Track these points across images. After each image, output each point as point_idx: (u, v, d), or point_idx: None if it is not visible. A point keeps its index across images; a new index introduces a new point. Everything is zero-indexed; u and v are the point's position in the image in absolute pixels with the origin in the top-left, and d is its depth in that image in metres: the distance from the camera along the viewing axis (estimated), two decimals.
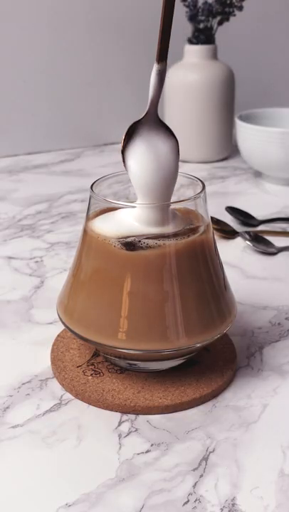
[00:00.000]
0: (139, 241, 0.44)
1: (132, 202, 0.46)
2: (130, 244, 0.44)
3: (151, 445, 0.43)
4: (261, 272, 0.70)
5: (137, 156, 0.44)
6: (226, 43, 1.17)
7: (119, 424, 0.45)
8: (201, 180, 0.48)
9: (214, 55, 1.10)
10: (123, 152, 0.45)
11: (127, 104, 1.25)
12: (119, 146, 0.45)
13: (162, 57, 0.42)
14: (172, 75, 1.11)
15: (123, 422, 0.46)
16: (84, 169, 1.10)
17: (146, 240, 0.44)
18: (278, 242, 0.78)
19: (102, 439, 0.44)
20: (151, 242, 0.44)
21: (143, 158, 0.44)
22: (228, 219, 0.84)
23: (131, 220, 0.45)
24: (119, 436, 0.44)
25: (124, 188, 0.50)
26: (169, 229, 0.45)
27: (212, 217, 0.76)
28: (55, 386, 0.50)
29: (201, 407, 0.47)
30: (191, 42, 1.10)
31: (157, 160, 0.44)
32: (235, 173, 1.08)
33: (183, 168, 1.13)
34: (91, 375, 0.49)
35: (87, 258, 0.47)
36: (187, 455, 0.42)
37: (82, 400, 0.48)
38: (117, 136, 1.26)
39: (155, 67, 0.43)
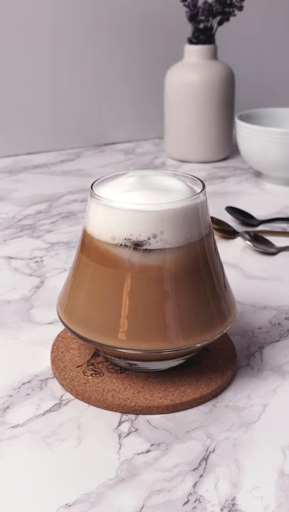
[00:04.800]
0: (140, 241, 0.44)
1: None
2: (134, 244, 0.44)
3: (151, 445, 0.43)
4: (261, 271, 0.70)
5: None
6: (226, 43, 1.17)
7: (119, 424, 0.45)
8: (201, 180, 0.48)
9: (214, 55, 1.09)
10: None
11: (126, 104, 1.25)
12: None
13: None
14: (172, 74, 1.11)
15: (123, 422, 0.46)
16: (84, 169, 1.10)
17: (146, 240, 0.44)
18: (278, 242, 0.78)
19: (102, 439, 0.44)
20: (152, 241, 0.44)
21: None
22: (228, 219, 0.84)
23: (130, 219, 0.45)
24: (119, 436, 0.44)
25: None
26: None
27: (212, 217, 0.76)
28: (55, 386, 0.50)
29: (201, 407, 0.47)
30: (191, 42, 1.09)
31: None
32: (235, 173, 1.08)
33: (183, 168, 1.13)
34: (91, 375, 0.49)
35: (87, 258, 0.47)
36: (187, 455, 0.42)
37: (82, 400, 0.48)
38: (117, 136, 1.26)
39: None
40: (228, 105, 1.11)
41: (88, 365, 0.51)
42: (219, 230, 0.79)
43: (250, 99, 1.30)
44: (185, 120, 1.10)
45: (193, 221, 0.46)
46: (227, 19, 1.08)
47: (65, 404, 0.48)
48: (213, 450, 0.43)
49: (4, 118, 1.15)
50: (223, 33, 1.12)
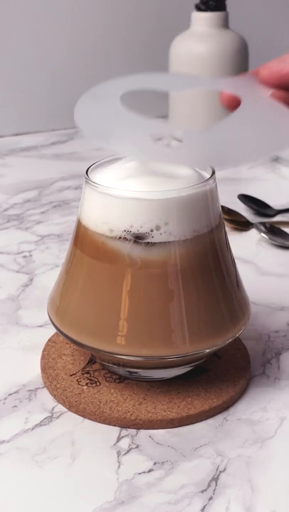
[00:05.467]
0: (141, 233, 0.44)
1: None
2: (135, 237, 0.44)
3: (154, 464, 0.43)
4: (278, 268, 0.70)
5: None
6: (239, 10, 1.17)
7: (118, 440, 0.45)
8: None
9: (225, 24, 1.09)
10: None
11: None
12: None
13: None
14: (178, 45, 1.10)
15: (122, 437, 0.46)
16: (78, 152, 1.10)
17: (149, 232, 0.44)
18: None
19: (98, 456, 0.44)
20: (155, 233, 0.44)
21: None
22: (241, 208, 0.84)
23: (130, 209, 0.45)
24: (118, 453, 0.44)
25: None
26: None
27: (223, 207, 0.76)
28: (46, 397, 0.50)
29: (211, 421, 0.47)
30: (199, 9, 1.09)
31: None
32: None
33: None
34: (86, 384, 0.49)
35: (81, 253, 0.47)
36: (195, 475, 0.42)
37: (76, 412, 0.48)
38: None
39: None
40: None
41: (83, 374, 0.51)
42: (231, 221, 0.79)
43: None
44: (192, 97, 1.10)
45: (202, 211, 0.46)
46: None
47: (57, 417, 0.48)
48: (224, 469, 0.43)
49: None
50: None
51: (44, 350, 0.54)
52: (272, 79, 0.47)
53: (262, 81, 0.48)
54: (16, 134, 1.19)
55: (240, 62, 1.09)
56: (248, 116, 0.44)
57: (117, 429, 0.47)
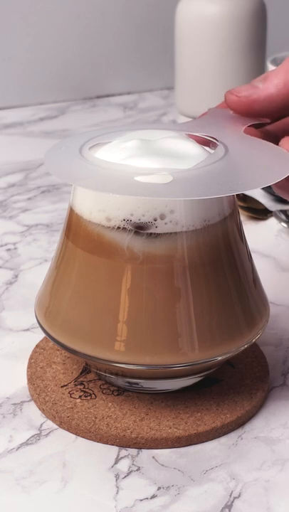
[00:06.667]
0: (143, 223, 0.44)
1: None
2: (136, 227, 0.44)
3: (158, 489, 0.43)
4: None
5: None
6: None
7: (116, 462, 0.45)
8: (223, 143, 0.48)
9: None
10: None
11: (125, 46, 1.24)
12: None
13: None
14: (185, 6, 1.10)
15: (121, 458, 0.46)
16: (70, 129, 1.10)
17: (152, 222, 0.44)
18: None
19: (94, 480, 0.44)
20: (159, 223, 0.44)
21: None
22: (258, 194, 0.84)
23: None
24: (117, 476, 0.44)
25: None
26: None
27: None
28: (33, 412, 0.50)
29: (223, 439, 0.47)
30: None
31: None
32: None
33: None
34: (80, 397, 0.49)
35: (74, 245, 0.47)
36: (205, 502, 0.42)
37: (68, 429, 0.48)
38: (114, 87, 1.25)
39: None
40: (258, 46, 1.10)
41: (76, 385, 0.51)
42: (246, 209, 0.79)
43: (285, 38, 1.30)
44: (202, 65, 1.10)
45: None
46: None
47: (46, 435, 0.48)
48: (239, 495, 0.43)
49: None
50: None
51: (31, 358, 0.54)
52: (240, 105, 0.49)
53: (229, 107, 0.50)
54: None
55: (258, 25, 1.09)
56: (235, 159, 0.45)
57: (115, 448, 0.46)
